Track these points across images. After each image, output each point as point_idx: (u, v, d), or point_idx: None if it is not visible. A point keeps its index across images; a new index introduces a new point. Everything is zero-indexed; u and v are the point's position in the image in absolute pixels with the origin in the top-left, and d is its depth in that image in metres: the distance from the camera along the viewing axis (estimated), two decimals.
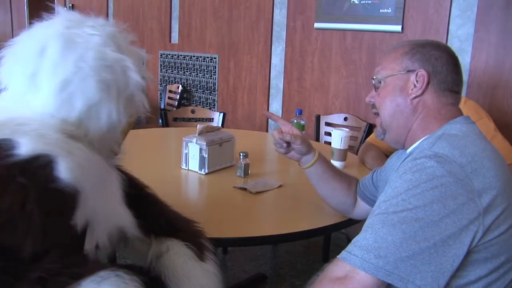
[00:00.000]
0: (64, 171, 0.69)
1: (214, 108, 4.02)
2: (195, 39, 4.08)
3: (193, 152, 1.77)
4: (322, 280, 0.90)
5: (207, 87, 4.07)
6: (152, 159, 2.03)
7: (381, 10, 2.89)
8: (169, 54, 4.33)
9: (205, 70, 4.04)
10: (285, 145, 1.38)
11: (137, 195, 0.97)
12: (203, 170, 1.76)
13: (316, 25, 3.22)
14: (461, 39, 2.65)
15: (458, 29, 2.65)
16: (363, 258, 0.86)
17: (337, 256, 0.91)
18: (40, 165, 0.69)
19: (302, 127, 2.13)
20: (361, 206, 1.37)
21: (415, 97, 1.05)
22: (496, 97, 2.55)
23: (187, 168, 1.80)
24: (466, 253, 0.86)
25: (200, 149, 1.75)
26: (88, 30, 0.85)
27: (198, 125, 1.80)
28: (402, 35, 2.83)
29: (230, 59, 3.84)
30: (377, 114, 1.14)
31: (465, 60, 2.60)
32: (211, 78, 4.01)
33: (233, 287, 2.46)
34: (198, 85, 4.15)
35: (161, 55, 4.39)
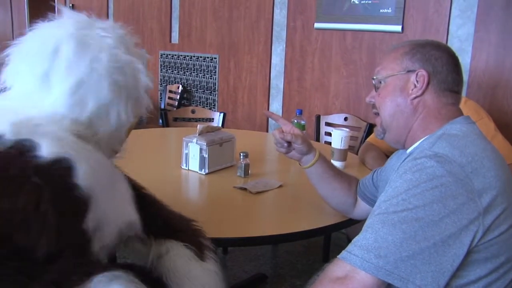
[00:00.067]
0: (81, 176, 0.70)
1: (214, 108, 4.02)
2: (195, 39, 4.08)
3: (193, 152, 1.77)
4: (322, 280, 0.90)
5: (207, 87, 4.07)
6: (152, 159, 2.03)
7: (381, 10, 2.89)
8: (169, 54, 4.33)
9: (205, 70, 4.04)
10: (286, 144, 1.39)
11: (134, 196, 0.97)
12: (203, 170, 1.76)
13: (316, 25, 3.22)
14: (461, 39, 2.65)
15: (458, 29, 2.65)
16: (363, 258, 0.86)
17: (337, 256, 0.91)
18: (59, 168, 0.69)
19: (302, 127, 2.13)
20: (362, 206, 1.37)
21: (415, 97, 1.05)
22: (496, 97, 2.55)
23: (187, 168, 1.80)
24: (466, 253, 0.86)
25: (201, 149, 1.75)
26: (100, 32, 0.87)
27: (198, 125, 1.80)
28: (402, 35, 2.83)
29: (230, 59, 3.84)
30: (377, 114, 1.14)
31: (465, 60, 2.60)
32: (211, 78, 4.01)
33: (233, 287, 2.46)
34: (198, 85, 4.15)
35: (161, 55, 4.40)
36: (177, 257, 0.92)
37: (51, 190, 0.67)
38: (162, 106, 4.30)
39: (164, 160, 2.06)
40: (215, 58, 3.94)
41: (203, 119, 3.16)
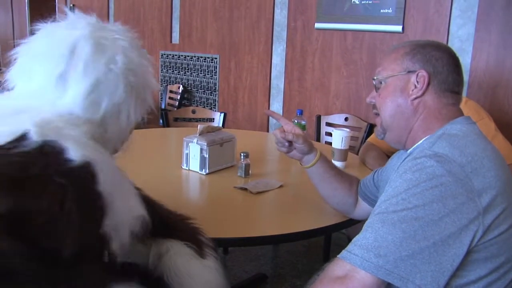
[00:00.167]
0: (102, 181, 0.71)
1: (214, 108, 4.02)
2: (195, 39, 4.09)
3: (193, 152, 1.77)
4: (323, 279, 0.90)
5: (208, 87, 4.07)
6: (152, 159, 2.03)
7: (381, 10, 2.89)
8: (170, 54, 4.33)
9: (206, 70, 4.05)
10: (287, 144, 1.39)
11: None
12: (203, 170, 1.77)
13: (317, 25, 3.22)
14: (461, 39, 2.65)
15: (458, 29, 2.65)
16: (363, 257, 0.86)
17: (337, 256, 0.91)
18: (85, 172, 0.70)
19: (303, 127, 2.13)
20: (362, 206, 1.37)
21: (415, 98, 1.05)
22: (497, 97, 2.55)
23: (187, 168, 1.81)
24: (466, 253, 0.86)
25: (201, 149, 1.75)
26: (113, 34, 0.89)
27: (198, 125, 1.81)
28: (403, 35, 2.83)
29: (230, 59, 3.84)
30: (377, 114, 1.14)
31: (465, 60, 2.60)
32: (211, 78, 4.02)
33: (234, 287, 2.46)
34: (199, 85, 4.15)
35: (161, 55, 4.40)
36: (177, 256, 0.92)
37: (75, 191, 0.67)
38: (163, 106, 4.30)
39: (164, 160, 2.06)
40: (216, 58, 3.94)
41: (203, 119, 3.16)
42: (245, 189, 1.61)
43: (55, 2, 5.61)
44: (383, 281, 0.85)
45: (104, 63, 0.84)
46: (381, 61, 1.14)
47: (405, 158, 1.04)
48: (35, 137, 0.70)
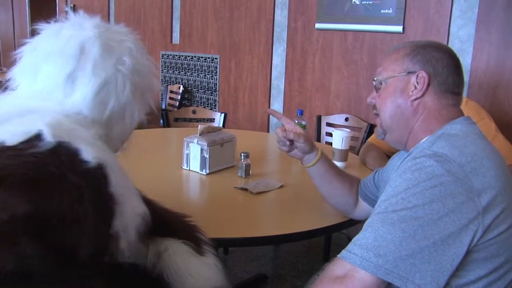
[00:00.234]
0: (113, 183, 0.72)
1: (215, 108, 4.02)
2: (196, 40, 4.09)
3: (194, 153, 1.78)
4: (323, 279, 0.91)
5: (208, 88, 4.07)
6: (153, 159, 2.03)
7: (382, 11, 2.89)
8: (170, 55, 4.34)
9: (206, 71, 4.05)
10: (288, 143, 1.39)
11: None
12: (204, 170, 1.77)
13: (317, 25, 3.22)
14: (462, 39, 2.65)
15: (459, 30, 2.65)
16: (362, 257, 0.86)
17: (337, 255, 0.91)
18: (99, 173, 0.71)
19: (303, 128, 2.13)
20: (363, 206, 1.37)
21: (415, 99, 1.05)
22: (497, 98, 2.55)
23: (188, 169, 1.81)
24: (466, 253, 0.86)
25: (201, 150, 1.75)
26: (119, 36, 0.90)
27: (199, 126, 1.81)
28: (403, 36, 2.83)
29: (231, 60, 3.84)
30: (377, 115, 1.14)
31: (466, 61, 2.60)
32: (212, 79, 4.02)
33: (234, 287, 2.46)
34: (199, 86, 4.15)
35: (162, 56, 4.40)
36: (177, 254, 0.93)
37: (91, 192, 0.68)
38: (163, 107, 4.30)
39: (165, 160, 2.06)
40: (216, 58, 3.94)
41: (204, 119, 3.16)
42: (246, 189, 1.61)
43: (56, 2, 5.62)
44: (383, 280, 0.85)
45: (113, 64, 0.85)
46: (381, 62, 1.14)
47: (405, 158, 1.04)
48: (48, 137, 0.70)
